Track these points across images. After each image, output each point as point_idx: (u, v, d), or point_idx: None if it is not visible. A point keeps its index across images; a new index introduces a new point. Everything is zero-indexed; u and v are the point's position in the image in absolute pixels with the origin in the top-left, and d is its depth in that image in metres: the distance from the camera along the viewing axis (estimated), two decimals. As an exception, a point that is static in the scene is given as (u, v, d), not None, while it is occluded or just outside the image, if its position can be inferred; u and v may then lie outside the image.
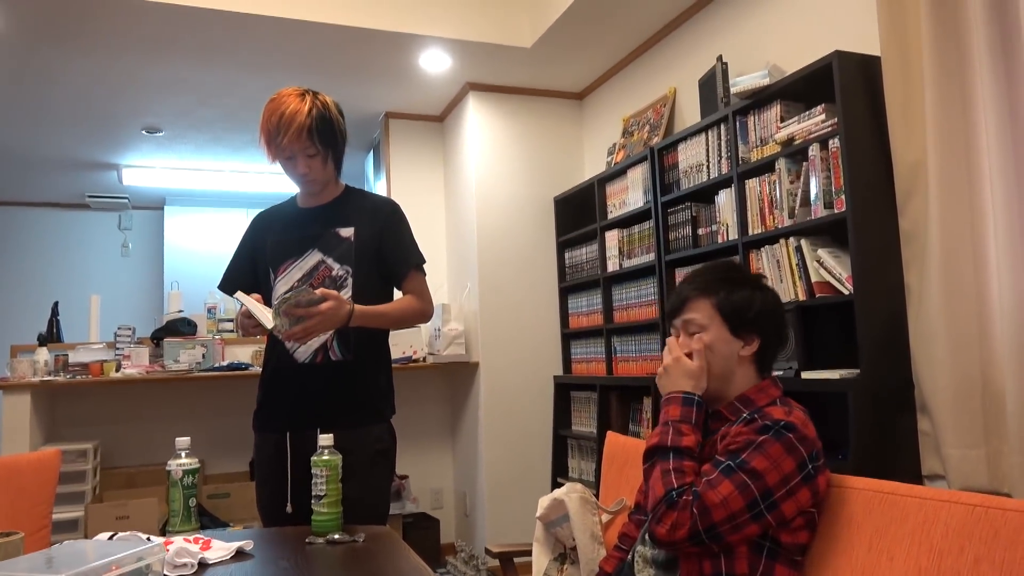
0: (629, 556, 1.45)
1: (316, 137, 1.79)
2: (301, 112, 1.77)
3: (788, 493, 1.22)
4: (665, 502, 1.24)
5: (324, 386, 1.83)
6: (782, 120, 2.35)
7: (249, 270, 1.97)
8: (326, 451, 1.60)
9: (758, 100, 2.45)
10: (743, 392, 1.37)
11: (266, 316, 1.69)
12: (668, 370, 1.39)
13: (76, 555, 1.00)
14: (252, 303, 1.74)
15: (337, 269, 1.86)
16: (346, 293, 1.83)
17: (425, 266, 1.97)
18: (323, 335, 1.80)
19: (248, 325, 1.79)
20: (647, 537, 1.41)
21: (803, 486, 1.23)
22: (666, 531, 1.23)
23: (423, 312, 1.94)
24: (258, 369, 3.47)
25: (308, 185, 1.90)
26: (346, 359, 1.84)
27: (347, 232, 1.88)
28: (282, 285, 1.88)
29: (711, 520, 1.20)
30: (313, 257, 1.88)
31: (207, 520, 3.17)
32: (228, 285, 1.99)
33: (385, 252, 1.89)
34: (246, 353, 3.74)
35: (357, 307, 1.76)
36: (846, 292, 2.08)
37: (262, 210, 2.05)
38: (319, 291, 1.68)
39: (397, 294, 1.97)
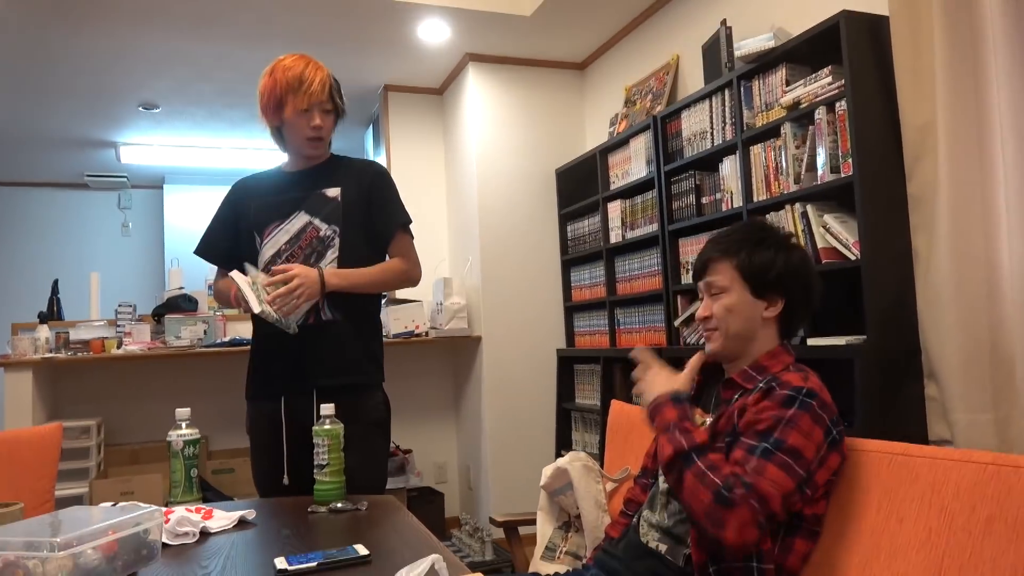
0: (635, 520, 1.44)
1: (335, 93, 1.86)
2: (322, 70, 1.84)
3: (820, 462, 1.20)
4: (719, 504, 1.13)
5: (318, 344, 1.81)
6: (787, 84, 2.30)
7: (230, 235, 1.94)
8: (328, 420, 1.59)
9: (763, 64, 2.40)
10: (756, 359, 1.34)
11: (255, 301, 1.69)
12: (647, 384, 1.36)
13: (77, 520, 0.98)
14: (246, 288, 1.72)
15: (324, 229, 1.84)
16: (333, 253, 1.83)
17: (413, 227, 1.95)
18: (311, 301, 1.78)
19: (231, 299, 1.79)
20: (654, 502, 1.39)
21: (831, 452, 1.21)
22: (735, 535, 1.11)
23: (408, 273, 1.93)
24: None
25: (314, 145, 1.87)
26: (336, 318, 1.83)
27: (333, 192, 1.86)
28: (269, 248, 1.86)
29: (771, 509, 1.14)
30: (300, 219, 1.86)
31: (211, 495, 3.17)
32: (207, 250, 1.97)
33: (372, 212, 1.88)
34: (248, 329, 3.71)
35: (327, 269, 1.77)
36: (853, 258, 2.05)
37: (243, 177, 2.01)
38: (276, 271, 1.74)
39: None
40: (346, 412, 1.65)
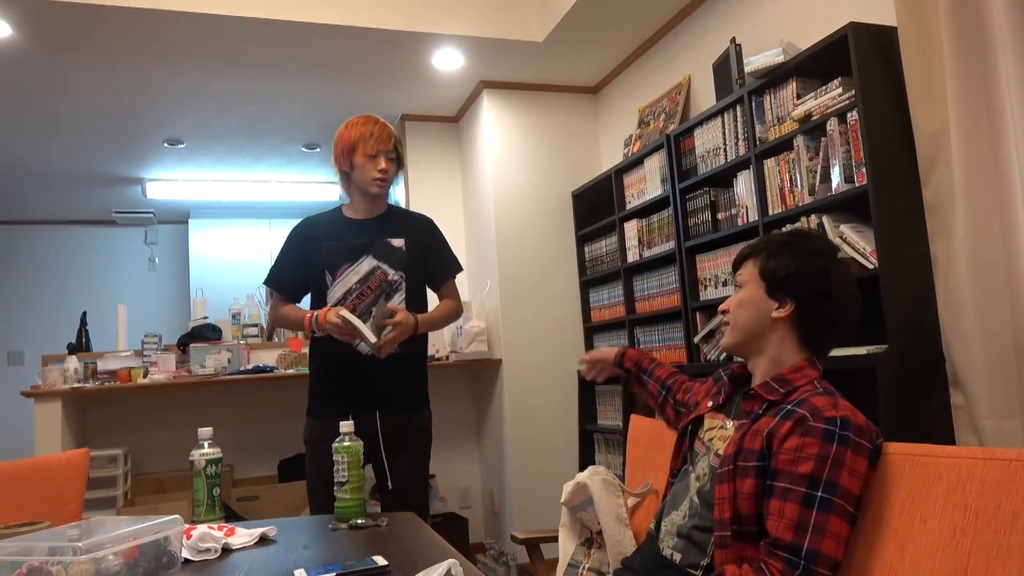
0: (653, 526, 1.43)
1: (397, 144, 2.15)
2: (387, 126, 2.15)
3: (865, 486, 1.20)
4: None
5: (390, 374, 2.08)
6: (798, 97, 2.31)
7: (299, 271, 2.17)
8: (347, 438, 1.61)
9: (773, 78, 2.42)
10: (780, 372, 1.33)
11: (370, 335, 1.92)
12: None
13: (101, 527, 1.00)
14: (359, 323, 1.94)
15: (392, 274, 2.12)
16: (400, 296, 2.12)
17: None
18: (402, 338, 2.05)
19: (337, 333, 1.97)
20: (677, 500, 1.39)
21: (870, 470, 1.21)
22: None
23: (458, 311, 2.30)
24: (284, 372, 3.49)
25: (378, 186, 2.11)
26: (405, 352, 2.10)
27: (398, 242, 2.14)
28: (340, 287, 2.11)
29: (835, 560, 1.14)
30: (368, 263, 2.11)
31: (235, 522, 3.19)
32: (277, 282, 2.20)
33: (430, 261, 2.22)
34: (271, 357, 3.76)
35: (419, 317, 2.08)
36: (870, 266, 2.04)
37: (306, 217, 2.24)
38: (389, 305, 2.01)
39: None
40: (410, 421, 2.13)
